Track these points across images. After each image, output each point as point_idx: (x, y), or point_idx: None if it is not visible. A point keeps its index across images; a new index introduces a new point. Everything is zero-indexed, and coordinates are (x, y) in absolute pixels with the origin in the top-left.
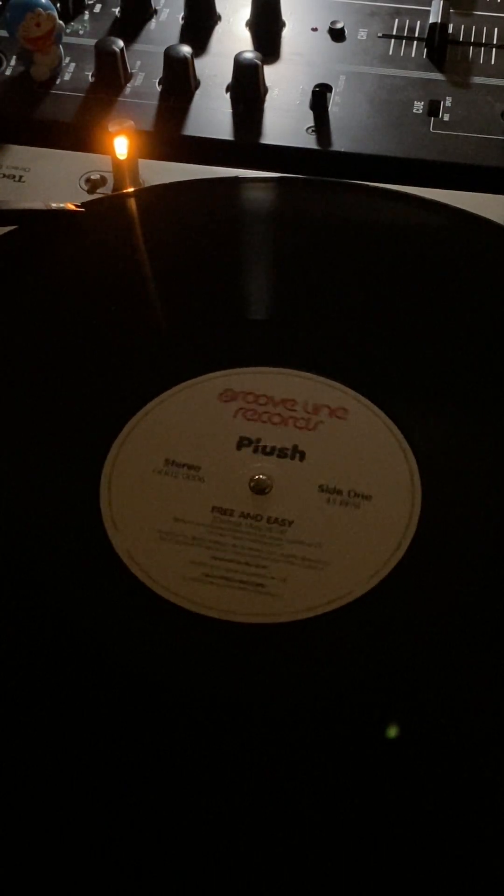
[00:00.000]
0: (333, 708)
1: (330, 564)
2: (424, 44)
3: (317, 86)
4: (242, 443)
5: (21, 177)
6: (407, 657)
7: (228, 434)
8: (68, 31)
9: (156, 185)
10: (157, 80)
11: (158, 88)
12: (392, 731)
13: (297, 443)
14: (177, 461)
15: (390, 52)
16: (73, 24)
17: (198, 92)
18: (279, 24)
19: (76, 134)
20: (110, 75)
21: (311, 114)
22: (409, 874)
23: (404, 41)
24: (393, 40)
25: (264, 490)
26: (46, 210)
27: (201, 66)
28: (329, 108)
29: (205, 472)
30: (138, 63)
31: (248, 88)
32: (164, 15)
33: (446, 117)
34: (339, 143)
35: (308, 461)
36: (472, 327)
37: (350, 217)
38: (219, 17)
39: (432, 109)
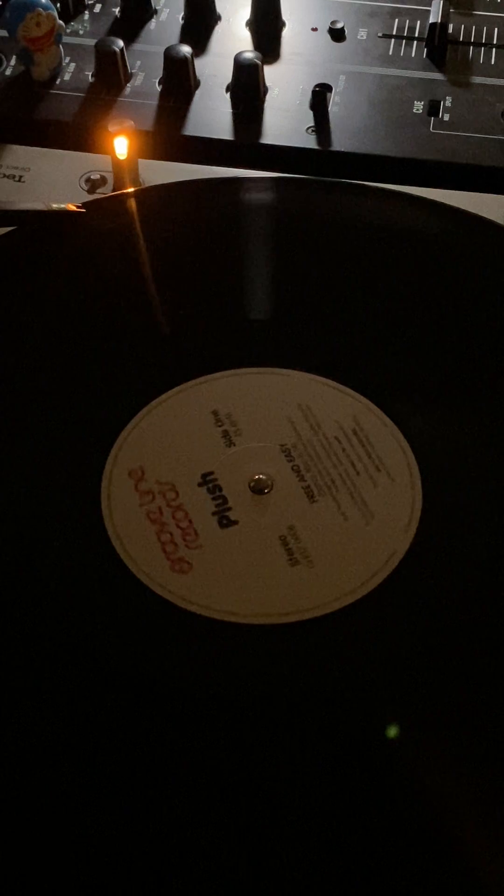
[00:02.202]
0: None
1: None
2: (424, 44)
3: (317, 86)
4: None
5: (21, 177)
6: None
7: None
8: (68, 31)
9: (156, 185)
10: (157, 80)
11: (158, 88)
12: (392, 731)
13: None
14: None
15: (390, 52)
16: (73, 24)
17: (198, 92)
18: (279, 24)
19: (76, 134)
20: (110, 75)
21: (311, 114)
22: (409, 874)
23: (404, 41)
24: (393, 40)
25: (263, 490)
26: (46, 210)
27: (201, 66)
28: (329, 108)
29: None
30: (138, 63)
31: (248, 88)
32: (164, 15)
33: (446, 117)
34: (339, 143)
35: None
36: (472, 327)
37: (350, 217)
38: (219, 17)
39: (432, 109)
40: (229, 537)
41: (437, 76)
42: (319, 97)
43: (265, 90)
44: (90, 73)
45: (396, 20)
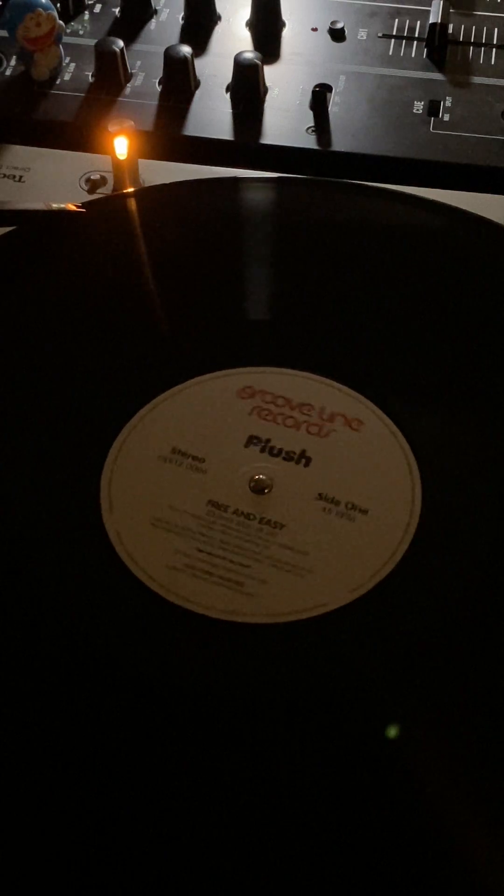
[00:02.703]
0: (295, 711)
1: (313, 573)
2: (424, 44)
3: (317, 86)
4: (252, 441)
5: (21, 177)
6: (375, 675)
7: (240, 431)
8: (68, 31)
9: (156, 185)
10: (157, 80)
11: (158, 88)
12: (392, 731)
13: (305, 448)
14: (183, 450)
15: (390, 52)
16: (73, 24)
17: (198, 92)
18: (279, 24)
19: (76, 134)
20: (110, 75)
21: (311, 114)
22: (409, 874)
23: (404, 41)
24: (393, 40)
25: (263, 490)
26: (46, 210)
27: (201, 66)
28: (329, 108)
29: (209, 464)
30: (138, 63)
31: (248, 88)
32: (164, 15)
33: (446, 117)
34: (339, 143)
35: (313, 468)
36: (472, 327)
37: (350, 217)
38: (219, 17)
39: (432, 109)
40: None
41: (437, 76)
42: (319, 97)
43: (265, 90)
44: (90, 73)
45: (396, 20)
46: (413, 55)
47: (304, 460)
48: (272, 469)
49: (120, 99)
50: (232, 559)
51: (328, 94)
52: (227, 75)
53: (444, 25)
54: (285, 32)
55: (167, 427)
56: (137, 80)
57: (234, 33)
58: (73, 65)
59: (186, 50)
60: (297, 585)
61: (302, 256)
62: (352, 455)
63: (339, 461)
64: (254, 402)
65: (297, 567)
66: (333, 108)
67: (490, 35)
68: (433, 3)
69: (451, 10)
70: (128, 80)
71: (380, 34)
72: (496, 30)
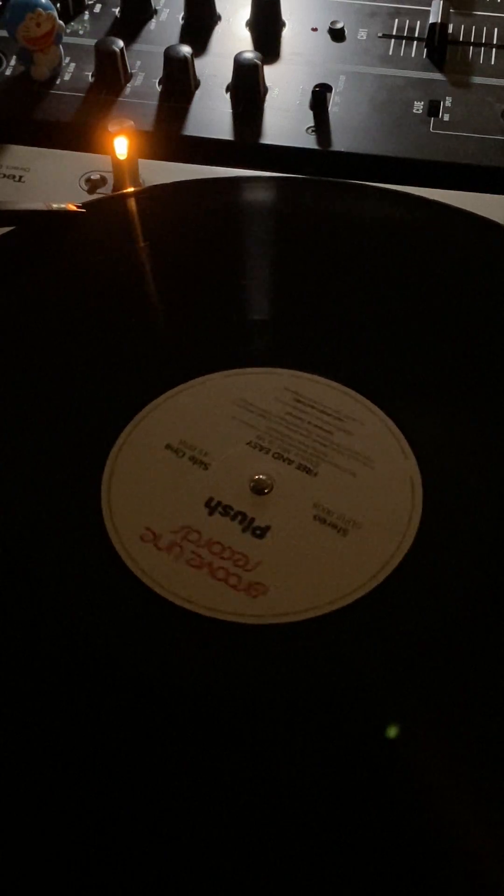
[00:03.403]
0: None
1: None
2: (424, 44)
3: (317, 86)
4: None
5: (21, 177)
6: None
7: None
8: (68, 31)
9: (156, 185)
10: (157, 80)
11: (158, 88)
12: (392, 732)
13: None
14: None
15: (390, 52)
16: (73, 24)
17: (198, 92)
18: (279, 24)
19: (76, 134)
20: (110, 75)
21: (311, 114)
22: (409, 874)
23: (404, 41)
24: (393, 40)
25: (264, 489)
26: (46, 210)
27: (201, 66)
28: (329, 108)
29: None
30: (138, 63)
31: (248, 88)
32: (164, 15)
33: (446, 117)
34: (339, 143)
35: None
36: (472, 327)
37: (350, 217)
38: (219, 17)
39: (432, 109)
40: (271, 542)
41: (437, 76)
42: (319, 97)
43: (265, 90)
44: (90, 73)
45: (396, 20)
46: (413, 55)
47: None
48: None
49: (120, 99)
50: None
51: (328, 94)
52: (227, 75)
53: (444, 25)
54: (285, 32)
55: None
56: (137, 80)
57: (234, 33)
58: (73, 65)
59: (186, 50)
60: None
61: (302, 257)
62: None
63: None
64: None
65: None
66: (333, 108)
67: (490, 35)
68: (433, 3)
69: (451, 10)
70: (128, 80)
71: (380, 34)
72: (496, 30)
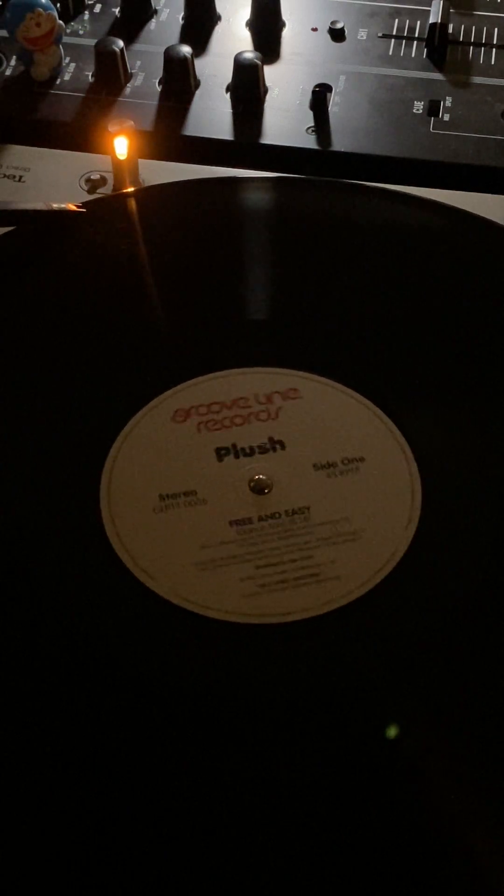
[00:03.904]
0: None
1: (365, 531)
2: (424, 44)
3: (317, 86)
4: (221, 453)
5: (21, 177)
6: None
7: (203, 450)
8: (68, 31)
9: (156, 185)
10: (157, 80)
11: (158, 88)
12: (392, 731)
13: (270, 434)
14: (171, 493)
15: (390, 52)
16: (73, 24)
17: (198, 92)
18: (279, 24)
19: (76, 134)
20: (110, 75)
21: (311, 114)
22: (409, 874)
23: (404, 41)
24: (393, 40)
25: (264, 489)
26: (46, 210)
27: (201, 66)
28: (329, 108)
29: (202, 494)
30: (138, 63)
31: (248, 88)
32: (164, 15)
33: (446, 117)
34: (339, 143)
35: (290, 448)
36: (472, 328)
37: (350, 217)
38: (219, 17)
39: (432, 109)
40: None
41: (437, 76)
42: (319, 97)
43: (265, 90)
44: (90, 73)
45: (396, 20)
46: (413, 55)
47: (277, 445)
48: (259, 467)
49: (120, 99)
50: (293, 558)
51: (328, 94)
52: (227, 75)
53: (444, 25)
54: (285, 32)
55: (142, 473)
56: (137, 80)
57: (234, 33)
58: (73, 65)
59: (186, 50)
60: (360, 549)
61: (302, 257)
62: (314, 419)
63: (308, 430)
64: (194, 421)
65: (348, 534)
66: (333, 108)
67: (490, 35)
68: (433, 3)
69: (451, 10)
70: (128, 80)
71: (380, 34)
72: (496, 30)
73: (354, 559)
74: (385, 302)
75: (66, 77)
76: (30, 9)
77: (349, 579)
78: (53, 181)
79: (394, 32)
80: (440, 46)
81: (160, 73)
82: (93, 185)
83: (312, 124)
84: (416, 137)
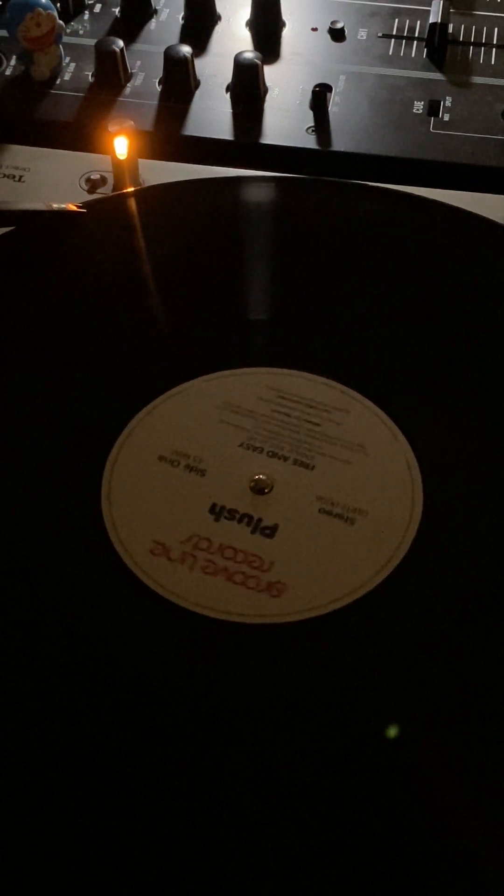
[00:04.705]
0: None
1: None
2: (424, 44)
3: (317, 86)
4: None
5: (21, 177)
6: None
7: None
8: (68, 31)
9: (156, 185)
10: (157, 80)
11: (158, 88)
12: (392, 731)
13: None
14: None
15: (390, 52)
16: (73, 24)
17: (198, 92)
18: (279, 24)
19: (76, 134)
20: (110, 75)
21: (311, 114)
22: (409, 874)
23: (404, 41)
24: (393, 40)
25: (263, 490)
26: (46, 210)
27: (201, 66)
28: (329, 108)
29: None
30: (138, 63)
31: (248, 88)
32: (164, 15)
33: (446, 117)
34: (339, 143)
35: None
36: (472, 327)
37: (350, 217)
38: (219, 17)
39: (432, 109)
40: (282, 540)
41: (437, 76)
42: (319, 97)
43: (265, 90)
44: (90, 73)
45: (396, 20)
46: (413, 55)
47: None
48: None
49: (120, 99)
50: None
51: (328, 94)
52: (227, 75)
53: (444, 25)
54: (285, 32)
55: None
56: (137, 80)
57: (234, 33)
58: (73, 65)
59: (186, 50)
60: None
61: (302, 256)
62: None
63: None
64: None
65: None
66: (333, 108)
67: (490, 35)
68: (433, 3)
69: (451, 10)
70: (128, 80)
71: (380, 34)
72: (496, 30)
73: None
74: (385, 302)
75: (66, 77)
76: (30, 9)
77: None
78: (53, 181)
79: (394, 32)
80: (440, 46)
81: (160, 73)
82: (93, 185)
83: (312, 124)
84: (415, 137)
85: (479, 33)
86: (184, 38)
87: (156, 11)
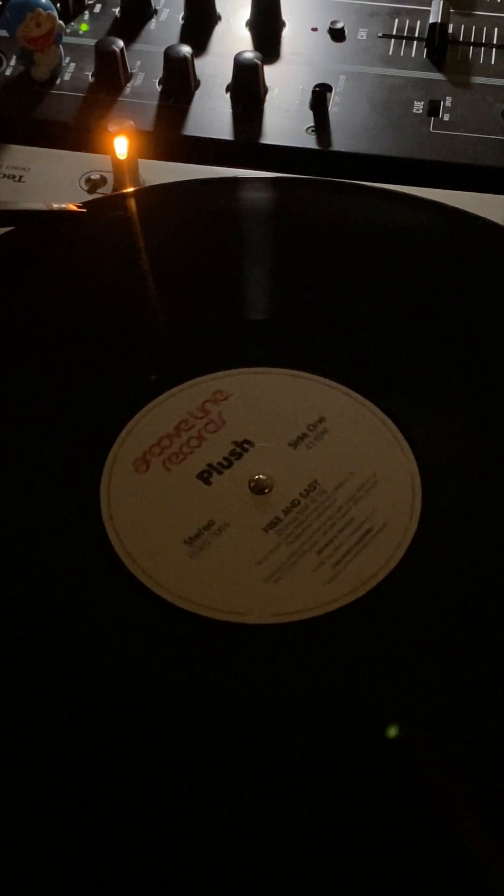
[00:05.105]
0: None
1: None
2: (424, 44)
3: (317, 86)
4: (203, 476)
5: (21, 177)
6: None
7: (188, 483)
8: (68, 31)
9: (156, 185)
10: (157, 80)
11: (158, 88)
12: (392, 731)
13: (232, 439)
14: (192, 535)
15: (390, 52)
16: (73, 24)
17: (198, 92)
18: (279, 24)
19: (76, 134)
20: (110, 75)
21: (311, 114)
22: (410, 875)
23: (404, 41)
24: (393, 40)
25: (264, 489)
26: (46, 210)
27: (201, 66)
28: (329, 108)
29: (218, 522)
30: (138, 63)
31: (248, 88)
32: (164, 15)
33: (446, 117)
34: (339, 143)
35: (257, 443)
36: (472, 328)
37: (350, 217)
38: (219, 17)
39: (432, 109)
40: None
41: (437, 76)
42: (319, 97)
43: (265, 90)
44: (90, 73)
45: (396, 20)
46: (413, 55)
47: (245, 445)
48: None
49: (120, 99)
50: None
51: (328, 94)
52: (227, 75)
53: (444, 25)
54: (285, 32)
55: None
56: (137, 80)
57: (234, 33)
58: (73, 65)
59: (186, 50)
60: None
61: (302, 256)
62: (254, 405)
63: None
64: (157, 461)
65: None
66: (333, 108)
67: (490, 35)
68: (433, 3)
69: (451, 10)
70: (128, 80)
71: (380, 34)
72: (496, 30)
73: (384, 507)
74: (385, 302)
75: (66, 77)
76: (30, 9)
77: (393, 524)
78: (53, 181)
79: (394, 32)
80: (440, 46)
81: (160, 73)
82: (93, 185)
83: (312, 124)
84: (415, 137)
85: (479, 33)
86: (184, 38)
87: (156, 11)
